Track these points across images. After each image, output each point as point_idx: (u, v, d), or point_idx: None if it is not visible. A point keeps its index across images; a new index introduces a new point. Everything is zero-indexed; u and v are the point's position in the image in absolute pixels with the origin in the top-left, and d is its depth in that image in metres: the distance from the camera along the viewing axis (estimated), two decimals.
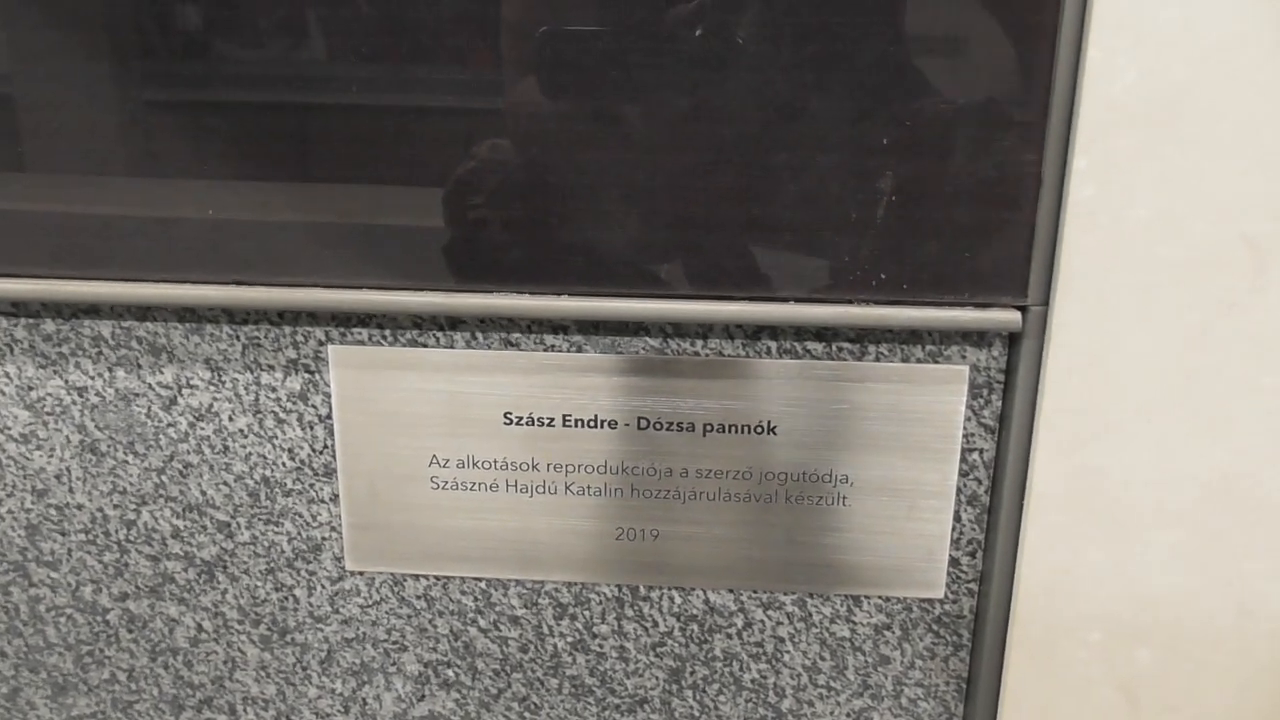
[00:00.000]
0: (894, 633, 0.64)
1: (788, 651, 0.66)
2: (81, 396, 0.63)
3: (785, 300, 0.56)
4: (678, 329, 0.59)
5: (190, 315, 0.61)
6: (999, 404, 0.59)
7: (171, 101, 0.57)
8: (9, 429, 0.64)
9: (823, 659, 0.66)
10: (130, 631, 0.69)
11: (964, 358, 0.58)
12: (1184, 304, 0.53)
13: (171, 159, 0.58)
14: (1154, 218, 0.52)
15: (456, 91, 0.55)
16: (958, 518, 0.61)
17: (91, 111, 0.57)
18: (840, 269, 0.54)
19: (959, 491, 0.61)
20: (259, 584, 0.67)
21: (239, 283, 0.58)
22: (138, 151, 0.58)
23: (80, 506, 0.66)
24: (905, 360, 0.58)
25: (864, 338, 0.58)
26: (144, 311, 0.61)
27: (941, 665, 0.65)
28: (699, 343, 0.59)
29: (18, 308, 0.61)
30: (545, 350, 0.60)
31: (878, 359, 0.58)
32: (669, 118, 0.53)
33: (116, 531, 0.66)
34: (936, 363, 0.58)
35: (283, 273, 0.58)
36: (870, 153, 0.53)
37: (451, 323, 0.60)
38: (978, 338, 0.57)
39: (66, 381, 0.63)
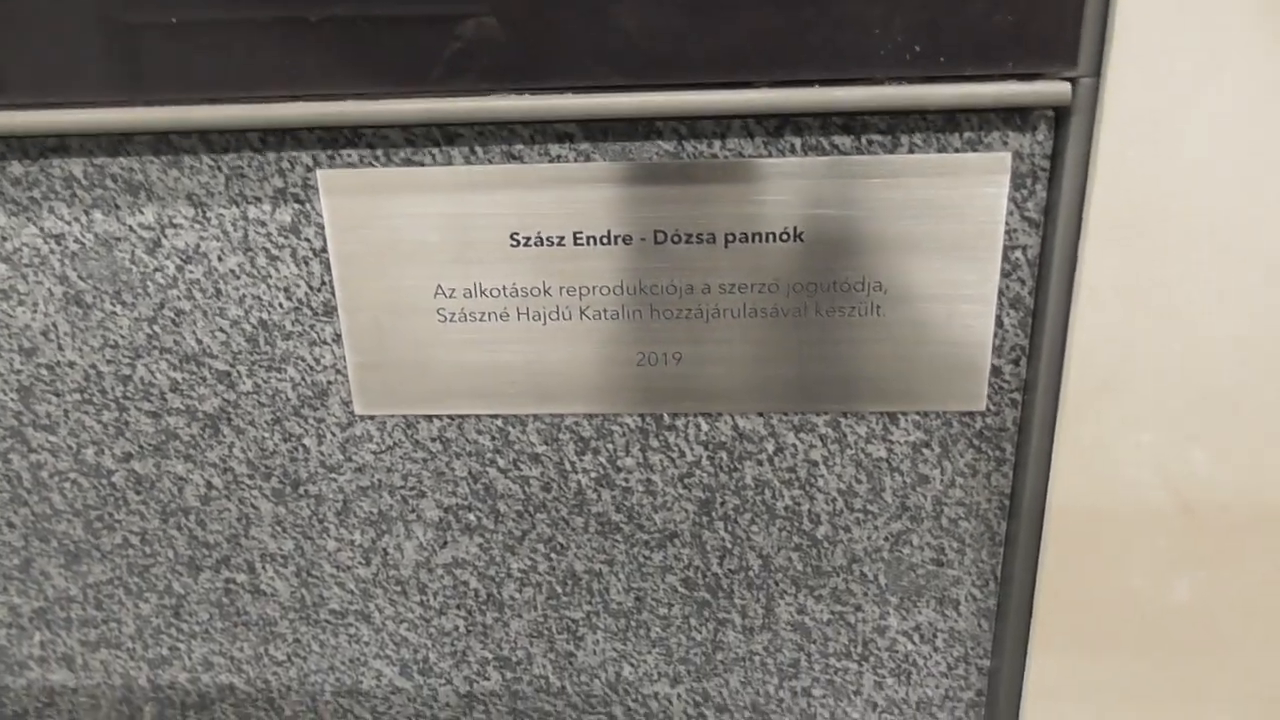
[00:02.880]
0: (933, 450, 0.61)
1: (822, 475, 0.63)
2: (60, 244, 0.59)
3: (809, 84, 0.51)
4: (693, 130, 0.54)
5: (166, 147, 0.57)
6: (1044, 194, 0.54)
7: None
8: None
9: (859, 481, 0.63)
10: (138, 493, 0.66)
11: (1005, 144, 0.53)
12: (1256, 58, 0.48)
13: None
14: None
15: None
16: (1000, 323, 0.57)
17: None
18: (868, 43, 0.49)
19: (1001, 294, 0.57)
20: (266, 435, 0.64)
21: (213, 101, 0.53)
22: None
23: (72, 364, 0.63)
24: (941, 150, 0.54)
25: (896, 128, 0.53)
26: (116, 146, 0.57)
27: (983, 482, 0.62)
28: (716, 144, 0.55)
29: None
30: (550, 161, 0.55)
31: (911, 150, 0.54)
32: None
33: (113, 388, 0.63)
34: (975, 151, 0.53)
35: (259, 86, 0.53)
36: None
37: (448, 137, 0.55)
38: (1020, 120, 0.53)
39: (42, 229, 0.59)
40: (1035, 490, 0.60)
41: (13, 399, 0.64)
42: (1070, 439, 0.57)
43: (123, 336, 0.61)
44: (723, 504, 0.64)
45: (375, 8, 0.51)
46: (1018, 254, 0.56)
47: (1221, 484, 0.58)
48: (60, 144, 0.57)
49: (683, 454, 0.63)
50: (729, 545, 0.65)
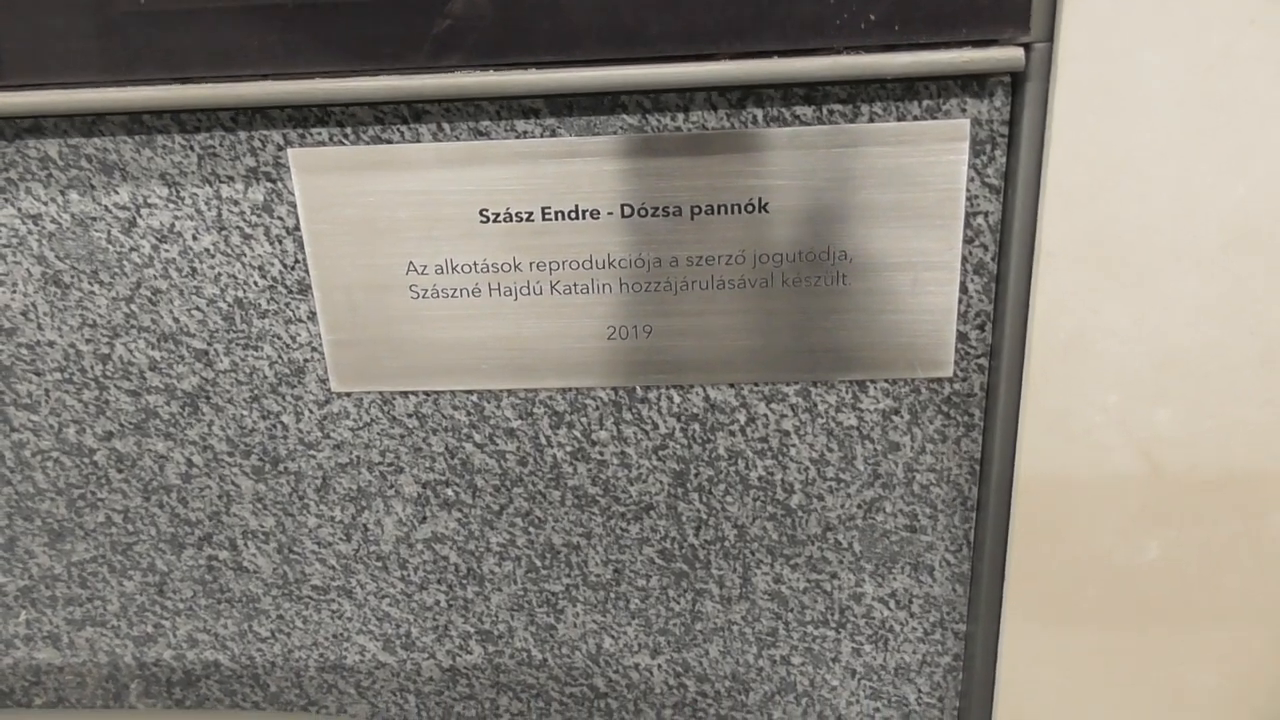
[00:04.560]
0: (902, 417, 0.62)
1: (794, 445, 0.63)
2: (37, 225, 0.60)
3: (768, 55, 0.51)
4: (656, 103, 0.55)
5: (139, 127, 0.57)
6: (1003, 160, 0.55)
7: None
8: None
9: (830, 450, 0.63)
10: (120, 471, 0.67)
11: (964, 111, 0.54)
12: (1207, 17, 0.49)
13: None
14: None
15: None
16: (964, 289, 0.58)
17: None
18: (825, 13, 0.50)
19: (964, 260, 0.57)
20: (245, 413, 0.65)
21: (184, 80, 0.54)
22: None
23: (51, 343, 0.63)
24: (901, 119, 0.54)
25: (856, 97, 0.54)
26: (90, 126, 0.57)
27: (953, 448, 0.63)
28: (680, 116, 0.55)
29: None
30: (517, 137, 0.56)
31: (871, 119, 0.54)
32: None
33: (92, 367, 0.64)
34: (934, 118, 0.54)
35: (229, 66, 0.54)
36: None
37: (415, 115, 0.56)
38: (977, 86, 0.53)
39: (19, 210, 0.60)
40: (1004, 455, 0.61)
41: None
42: (1037, 403, 0.58)
43: (101, 316, 0.62)
44: (697, 475, 0.65)
45: None
46: (979, 220, 0.56)
47: (1187, 443, 0.58)
48: (35, 125, 0.58)
49: (656, 426, 0.63)
50: (704, 516, 0.66)
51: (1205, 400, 0.57)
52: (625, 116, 0.55)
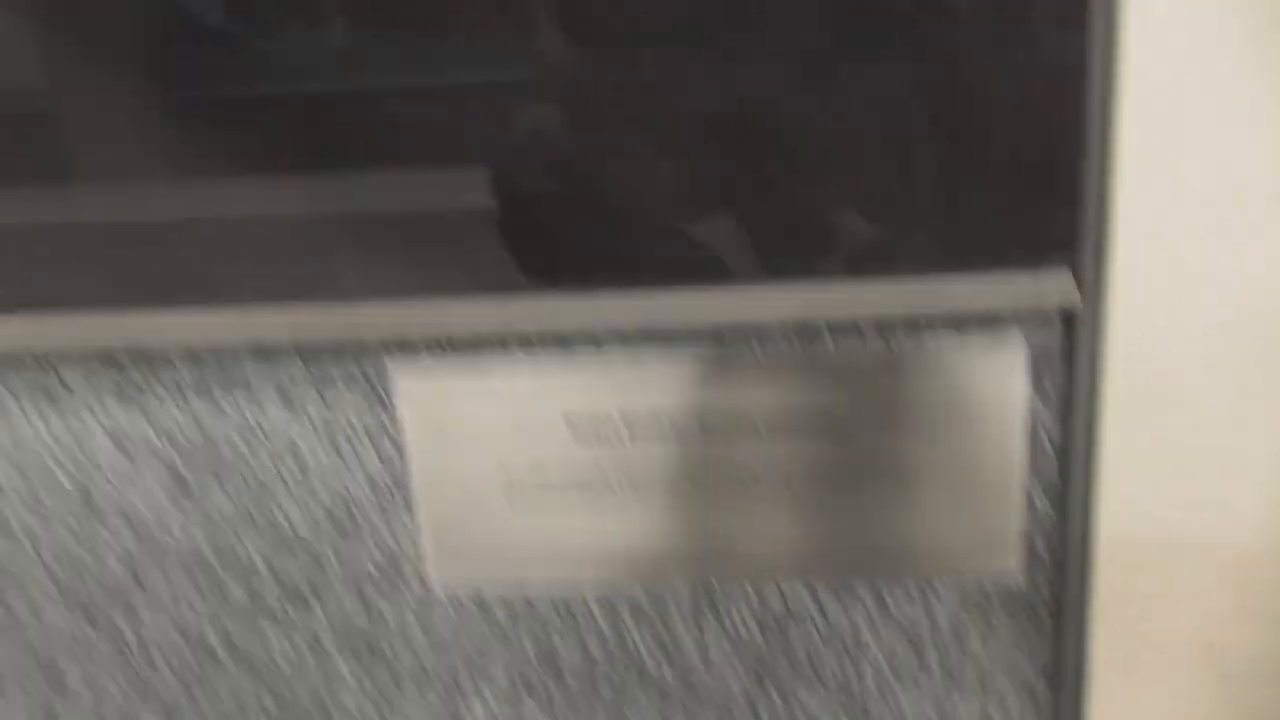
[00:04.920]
0: (973, 620, 0.64)
1: (868, 645, 0.65)
2: (169, 439, 0.66)
3: (831, 281, 0.56)
4: (731, 326, 0.59)
5: (259, 348, 0.64)
6: (1061, 380, 0.58)
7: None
8: (105, 471, 0.68)
9: (903, 651, 0.65)
10: (231, 656, 0.72)
11: (1020, 333, 0.57)
12: (1241, 247, 0.52)
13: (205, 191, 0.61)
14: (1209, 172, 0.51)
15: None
16: (1030, 503, 0.60)
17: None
18: (884, 248, 0.55)
19: (1027, 473, 0.60)
20: (349, 606, 0.69)
21: (297, 302, 0.60)
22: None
23: (176, 540, 0.69)
24: (961, 334, 0.58)
25: (916, 319, 0.58)
26: (217, 346, 0.64)
27: (1025, 652, 0.64)
28: (753, 340, 0.60)
29: (101, 354, 0.65)
30: (602, 355, 0.61)
31: (931, 340, 0.58)
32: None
33: (211, 561, 0.69)
34: (992, 339, 0.57)
35: (338, 294, 0.60)
36: (909, 122, 0.53)
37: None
38: (1034, 312, 0.57)
39: (153, 423, 0.66)
40: (1076, 661, 0.62)
41: (123, 571, 0.70)
42: (1106, 611, 0.59)
43: (222, 516, 0.68)
44: (774, 672, 0.67)
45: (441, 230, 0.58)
46: (1041, 434, 0.59)
47: (1264, 653, 0.59)
48: (165, 351, 0.64)
49: (734, 624, 0.66)
50: (782, 714, 0.68)
51: (1278, 614, 0.57)
52: (701, 337, 0.60)
